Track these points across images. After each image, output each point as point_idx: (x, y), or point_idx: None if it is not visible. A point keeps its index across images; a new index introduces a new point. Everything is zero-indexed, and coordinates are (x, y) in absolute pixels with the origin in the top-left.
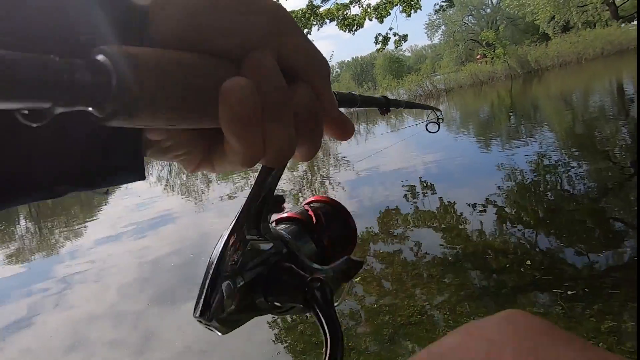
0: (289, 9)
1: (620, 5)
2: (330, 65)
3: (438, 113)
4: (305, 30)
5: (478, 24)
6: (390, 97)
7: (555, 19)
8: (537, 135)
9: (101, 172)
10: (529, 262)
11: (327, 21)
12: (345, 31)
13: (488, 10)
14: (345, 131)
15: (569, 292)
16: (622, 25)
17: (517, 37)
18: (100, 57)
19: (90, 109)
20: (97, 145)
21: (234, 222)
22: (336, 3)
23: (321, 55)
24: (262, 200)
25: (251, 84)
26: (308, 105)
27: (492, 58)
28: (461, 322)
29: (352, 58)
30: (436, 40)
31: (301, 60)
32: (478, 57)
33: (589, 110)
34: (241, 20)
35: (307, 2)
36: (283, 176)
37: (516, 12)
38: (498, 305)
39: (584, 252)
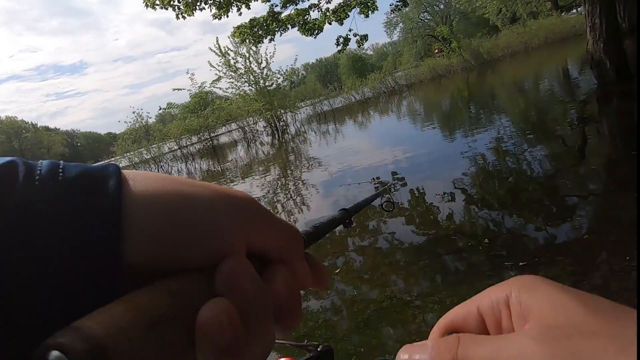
0: (249, 17)
1: None
2: (295, 68)
3: (392, 192)
4: (269, 37)
5: (433, 20)
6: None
7: (503, 12)
8: (496, 122)
9: None
10: (487, 240)
11: (289, 27)
12: (306, 36)
13: (441, 6)
14: (321, 282)
15: (520, 263)
16: (562, 14)
17: (470, 30)
18: (54, 357)
19: None
20: None
21: None
22: (295, 9)
23: (291, 230)
24: None
25: (230, 308)
26: (287, 292)
27: (448, 52)
28: (427, 301)
29: (317, 59)
30: (395, 37)
31: (273, 244)
32: (436, 51)
33: (540, 96)
34: (211, 228)
35: (267, 10)
36: (258, 182)
37: (466, 7)
38: (459, 281)
39: (537, 228)
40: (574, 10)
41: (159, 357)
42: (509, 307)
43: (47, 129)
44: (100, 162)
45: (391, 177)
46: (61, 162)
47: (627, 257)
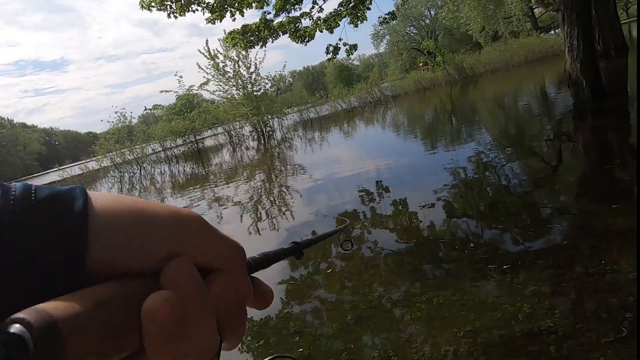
0: (242, 23)
1: (539, 17)
2: (283, 75)
3: (350, 230)
4: (260, 44)
5: (419, 34)
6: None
7: (486, 29)
8: (476, 135)
9: None
10: (472, 244)
11: (280, 34)
12: (297, 42)
13: (427, 21)
14: (264, 302)
15: (504, 266)
16: (542, 34)
17: (454, 46)
18: (15, 329)
19: None
20: None
21: None
22: (287, 16)
23: (233, 244)
24: None
25: (171, 296)
26: (227, 297)
27: (433, 65)
28: (415, 300)
29: (304, 67)
30: (382, 49)
31: (215, 256)
32: (421, 64)
33: (519, 112)
34: (159, 240)
35: (259, 16)
36: (242, 187)
37: (451, 23)
38: (444, 282)
39: (518, 234)
40: (552, 32)
41: (104, 331)
42: None
43: (24, 125)
44: (80, 162)
45: (375, 187)
46: (33, 185)
47: (603, 262)
